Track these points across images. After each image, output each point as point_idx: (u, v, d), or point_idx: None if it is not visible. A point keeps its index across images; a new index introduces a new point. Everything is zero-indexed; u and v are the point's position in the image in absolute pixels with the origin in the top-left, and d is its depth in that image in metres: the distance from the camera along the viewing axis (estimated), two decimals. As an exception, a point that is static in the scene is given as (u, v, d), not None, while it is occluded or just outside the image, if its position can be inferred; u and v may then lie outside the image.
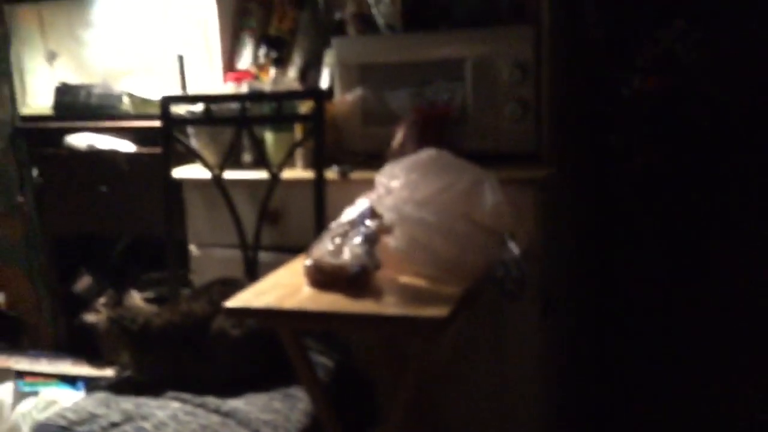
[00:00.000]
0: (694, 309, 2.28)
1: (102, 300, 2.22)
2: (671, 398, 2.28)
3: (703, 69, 2.25)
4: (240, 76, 2.16)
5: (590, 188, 2.36)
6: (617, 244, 2.39)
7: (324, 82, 2.11)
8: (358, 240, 1.44)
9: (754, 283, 2.22)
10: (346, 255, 1.43)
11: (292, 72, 2.15)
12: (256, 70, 2.22)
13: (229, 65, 2.28)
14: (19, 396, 2.24)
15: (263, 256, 1.92)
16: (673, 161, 2.34)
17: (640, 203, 2.39)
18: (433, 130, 1.84)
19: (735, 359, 2.22)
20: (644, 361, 2.34)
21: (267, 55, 2.17)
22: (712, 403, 2.22)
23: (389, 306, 1.35)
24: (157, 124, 2.00)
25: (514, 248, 1.51)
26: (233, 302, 1.41)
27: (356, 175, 1.88)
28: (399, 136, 1.86)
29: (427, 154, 1.64)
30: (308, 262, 1.47)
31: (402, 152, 1.78)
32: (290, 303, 1.38)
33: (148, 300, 1.89)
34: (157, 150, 2.03)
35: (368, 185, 1.64)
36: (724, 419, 2.19)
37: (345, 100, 1.97)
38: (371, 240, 1.44)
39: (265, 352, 1.63)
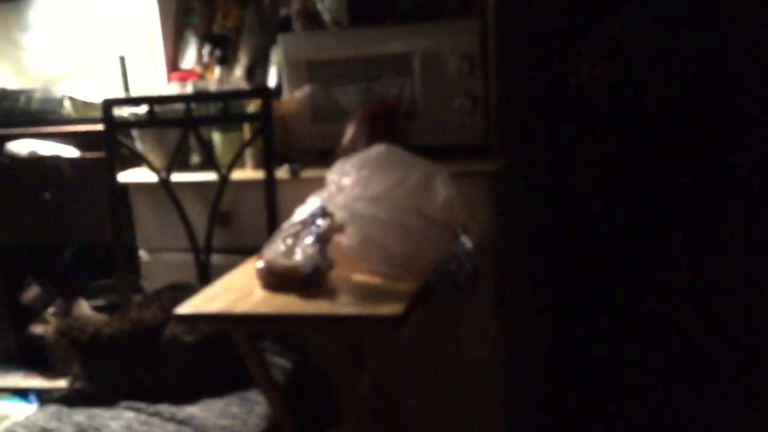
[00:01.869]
0: (647, 295, 2.32)
1: (50, 310, 2.16)
2: (629, 384, 2.31)
3: (650, 55, 2.28)
4: (184, 76, 2.12)
5: (542, 178, 2.38)
6: (570, 233, 2.42)
7: (271, 81, 2.08)
8: (309, 240, 1.43)
9: (706, 268, 2.27)
10: (299, 255, 1.41)
11: (239, 71, 2.12)
12: (201, 69, 2.18)
13: (173, 65, 2.23)
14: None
15: (216, 258, 1.89)
16: (623, 148, 2.37)
17: (592, 191, 2.41)
18: (383, 126, 1.83)
19: (687, 344, 2.26)
20: (600, 348, 2.37)
21: (211, 54, 2.14)
22: (665, 387, 2.26)
23: (343, 305, 1.34)
24: (99, 127, 1.95)
25: (467, 242, 1.51)
26: (184, 308, 1.38)
27: (307, 173, 1.87)
28: (349, 133, 1.85)
29: (377, 149, 1.63)
30: (260, 264, 1.44)
31: (352, 149, 1.77)
32: (242, 307, 1.36)
33: (97, 308, 1.85)
34: (101, 154, 1.99)
35: (320, 183, 1.63)
36: (670, 396, 2.23)
37: (293, 97, 1.95)
38: (323, 239, 1.42)
39: (220, 356, 1.60)
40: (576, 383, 2.35)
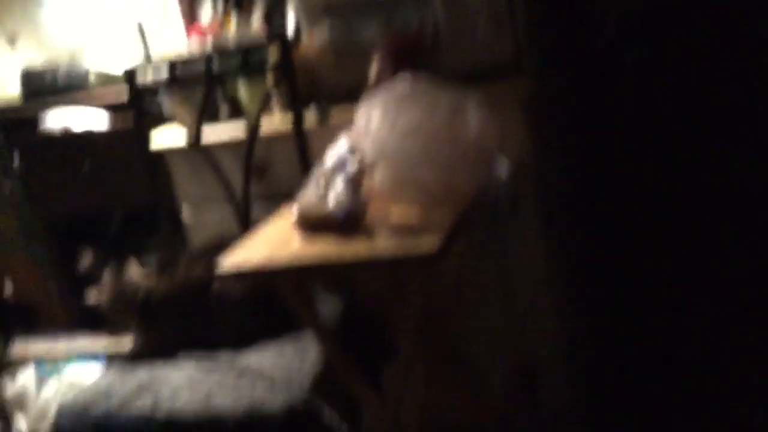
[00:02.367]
0: (696, 213, 2.24)
1: (106, 275, 2.22)
2: (679, 310, 2.25)
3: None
4: (203, 32, 2.09)
5: (581, 94, 2.29)
6: (617, 148, 2.33)
7: (290, 23, 2.04)
8: (341, 184, 1.41)
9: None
10: (331, 202, 1.40)
11: (256, 17, 2.08)
12: (218, 20, 2.14)
13: (191, 22, 2.21)
14: (42, 381, 2.27)
15: (256, 205, 1.89)
16: (666, 56, 2.26)
17: (635, 102, 2.32)
18: (408, 58, 1.79)
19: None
20: (654, 269, 2.31)
21: (227, 5, 2.10)
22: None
23: (381, 246, 1.33)
24: (125, 97, 1.96)
25: (504, 167, 1.47)
26: (225, 266, 1.39)
27: (336, 114, 1.84)
28: (374, 70, 1.81)
29: (402, 83, 1.58)
30: (295, 213, 1.44)
31: (379, 83, 1.73)
32: (281, 257, 1.36)
33: (148, 270, 1.89)
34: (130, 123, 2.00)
35: (349, 125, 1.60)
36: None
37: (312, 38, 1.91)
38: (355, 182, 1.41)
39: (270, 305, 1.62)
40: (631, 309, 2.30)
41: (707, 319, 2.24)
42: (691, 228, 2.30)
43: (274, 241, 1.44)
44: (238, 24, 2.04)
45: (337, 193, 1.38)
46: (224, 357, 1.59)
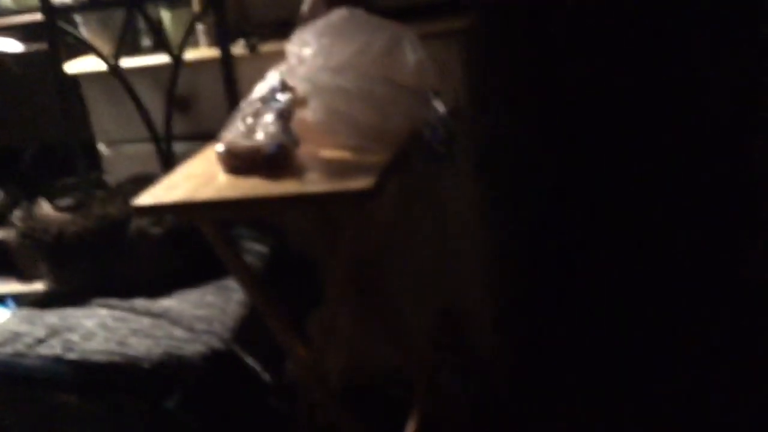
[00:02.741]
0: (626, 160, 2.26)
1: (17, 213, 2.08)
2: (621, 270, 2.28)
3: None
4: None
5: (519, 35, 2.25)
6: (555, 89, 2.32)
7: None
8: (271, 117, 1.33)
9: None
10: (260, 135, 1.32)
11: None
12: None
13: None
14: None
15: (179, 147, 1.80)
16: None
17: (575, 45, 2.29)
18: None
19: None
20: (579, 214, 2.33)
21: None
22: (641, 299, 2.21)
23: (312, 183, 1.26)
24: (39, 17, 1.80)
25: (440, 107, 1.42)
26: (143, 199, 1.30)
27: (266, 47, 1.74)
28: (308, 2, 1.71)
29: (338, 14, 1.50)
30: (220, 147, 1.35)
31: (313, 17, 1.64)
32: (205, 193, 1.28)
33: (60, 208, 1.77)
34: (45, 46, 1.85)
35: (280, 58, 1.51)
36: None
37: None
38: (286, 115, 1.33)
39: (191, 246, 1.54)
40: (557, 254, 2.32)
41: (626, 266, 2.29)
42: (614, 171, 2.33)
43: (197, 178, 1.35)
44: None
45: (266, 125, 1.30)
46: (140, 302, 1.50)
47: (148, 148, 1.83)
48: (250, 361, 1.42)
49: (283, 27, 1.69)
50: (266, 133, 1.31)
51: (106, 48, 1.81)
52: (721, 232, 2.25)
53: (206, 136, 1.65)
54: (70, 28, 1.82)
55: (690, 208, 2.29)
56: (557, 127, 2.32)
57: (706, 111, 2.24)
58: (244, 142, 1.33)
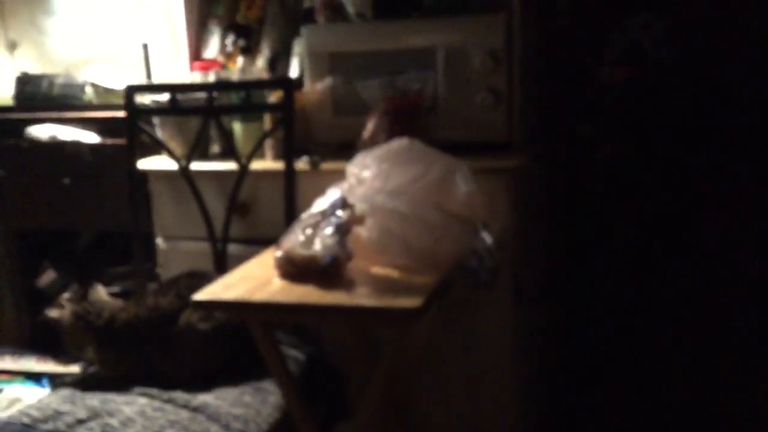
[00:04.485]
0: (666, 298, 2.30)
1: (66, 295, 2.16)
2: (646, 390, 2.29)
3: (670, 60, 2.26)
4: (207, 66, 2.11)
5: (561, 178, 2.36)
6: (587, 232, 2.40)
7: (293, 72, 2.07)
8: (329, 230, 1.42)
9: (725, 271, 2.24)
10: (318, 246, 1.40)
11: (261, 62, 2.11)
12: (223, 59, 2.17)
13: (196, 54, 2.23)
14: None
15: (232, 248, 1.88)
16: (640, 150, 2.36)
17: (607, 193, 2.40)
18: (405, 120, 1.82)
19: (710, 348, 2.24)
20: (616, 351, 2.35)
21: (235, 44, 2.13)
22: (688, 395, 2.23)
23: (361, 297, 1.33)
24: (121, 114, 1.95)
25: (488, 238, 1.49)
26: (201, 295, 1.38)
27: (327, 165, 1.86)
28: (370, 126, 1.84)
29: (398, 143, 1.62)
30: (279, 253, 1.44)
31: (373, 142, 1.76)
32: (260, 295, 1.35)
33: (113, 294, 1.84)
34: (122, 141, 1.99)
35: (339, 176, 1.62)
36: (698, 410, 2.19)
37: (315, 89, 1.94)
38: (343, 230, 1.41)
39: (235, 345, 1.59)
40: (589, 385, 2.33)
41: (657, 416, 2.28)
42: (664, 310, 2.36)
43: (253, 280, 1.43)
44: (243, 63, 2.06)
45: (324, 237, 1.39)
46: (180, 395, 1.54)
47: (202, 247, 1.91)
48: (279, 465, 1.44)
49: (343, 149, 1.83)
50: (323, 245, 1.39)
51: (178, 150, 1.94)
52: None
53: (260, 241, 1.75)
54: (147, 128, 1.96)
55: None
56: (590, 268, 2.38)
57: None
58: (302, 251, 1.41)
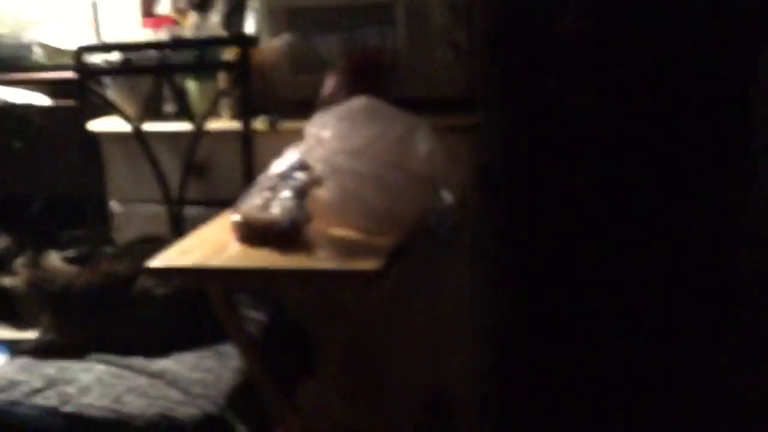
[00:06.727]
0: (626, 250, 2.31)
1: (20, 261, 2.11)
2: (604, 345, 2.32)
3: (635, 10, 2.24)
4: (159, 22, 2.04)
5: (525, 132, 2.35)
6: (551, 185, 2.40)
7: (249, 28, 2.01)
8: (287, 193, 1.39)
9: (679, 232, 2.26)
10: (276, 209, 1.37)
11: (215, 17, 2.04)
12: (176, 15, 2.10)
13: (147, 10, 2.16)
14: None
15: (190, 210, 1.85)
16: (606, 102, 2.34)
17: (574, 144, 2.39)
18: (366, 77, 1.78)
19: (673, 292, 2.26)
20: (575, 301, 2.37)
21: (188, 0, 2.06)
22: (649, 342, 2.26)
23: (321, 260, 1.31)
24: (71, 75, 1.88)
25: (448, 196, 1.48)
26: (157, 261, 1.34)
27: (286, 125, 1.82)
28: (330, 84, 1.80)
29: (358, 101, 1.58)
30: (236, 217, 1.41)
31: (333, 100, 1.72)
32: (217, 260, 1.32)
33: (68, 260, 1.80)
34: (73, 103, 1.92)
35: (298, 136, 1.58)
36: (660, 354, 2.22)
37: (272, 46, 1.89)
38: (301, 193, 1.39)
39: (193, 310, 1.57)
40: (551, 341, 2.35)
41: (627, 352, 2.32)
42: (615, 270, 2.38)
43: (210, 245, 1.40)
44: (197, 20, 2.00)
45: (282, 200, 1.36)
46: (138, 361, 1.52)
47: (158, 210, 1.87)
48: (241, 428, 1.43)
49: (303, 107, 1.78)
50: (282, 208, 1.37)
51: (131, 110, 1.89)
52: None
53: (218, 203, 1.71)
54: (99, 89, 1.89)
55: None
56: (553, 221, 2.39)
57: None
58: (260, 215, 1.38)
